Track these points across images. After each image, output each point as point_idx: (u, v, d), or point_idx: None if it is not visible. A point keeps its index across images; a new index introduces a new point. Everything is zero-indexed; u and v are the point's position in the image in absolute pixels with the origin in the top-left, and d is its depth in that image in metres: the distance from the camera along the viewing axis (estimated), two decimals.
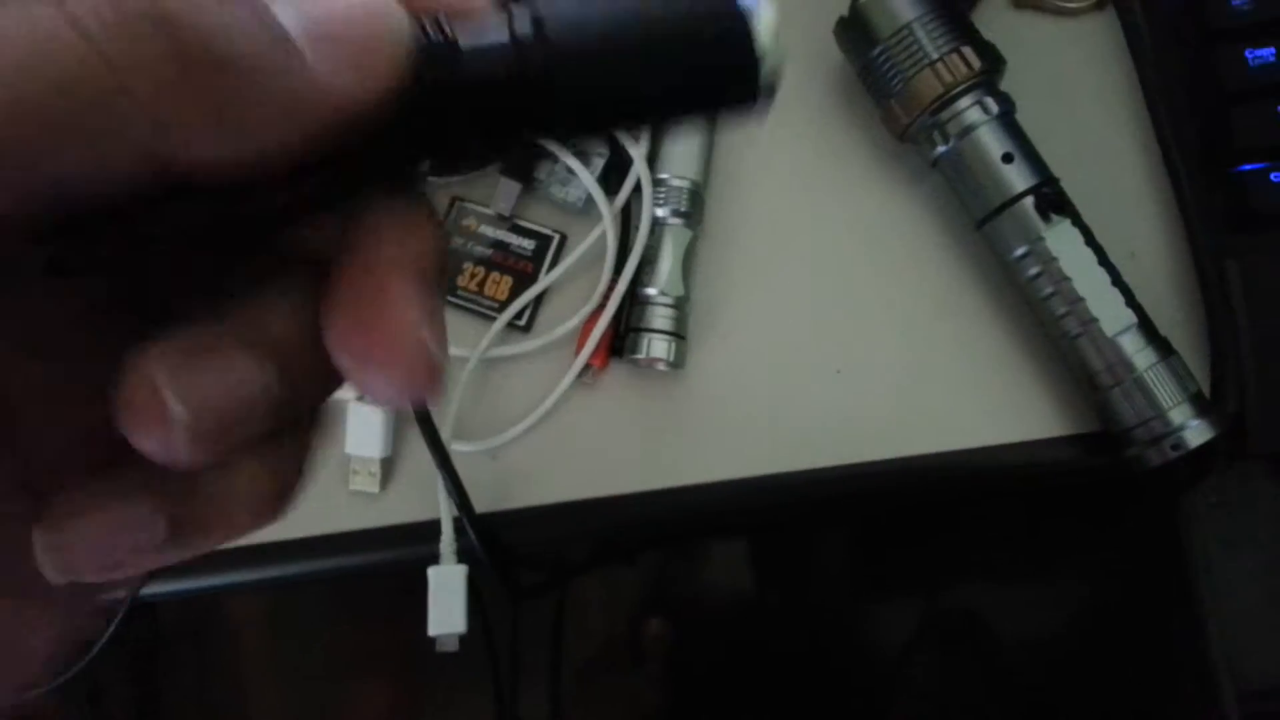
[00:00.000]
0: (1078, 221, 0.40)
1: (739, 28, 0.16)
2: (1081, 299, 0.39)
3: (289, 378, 0.16)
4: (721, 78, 0.16)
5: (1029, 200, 0.40)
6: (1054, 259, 0.39)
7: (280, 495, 0.17)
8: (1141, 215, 0.43)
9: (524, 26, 0.16)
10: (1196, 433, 0.38)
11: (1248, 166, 0.40)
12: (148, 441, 0.14)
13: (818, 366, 0.44)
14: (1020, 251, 0.40)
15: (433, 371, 0.16)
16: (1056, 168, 0.40)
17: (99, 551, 0.15)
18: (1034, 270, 0.40)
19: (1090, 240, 0.40)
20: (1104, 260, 0.40)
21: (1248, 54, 0.41)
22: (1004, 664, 0.61)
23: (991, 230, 0.41)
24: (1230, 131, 0.41)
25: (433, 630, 0.41)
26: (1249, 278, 0.40)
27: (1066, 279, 0.39)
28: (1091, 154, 0.43)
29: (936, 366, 0.43)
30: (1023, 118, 0.41)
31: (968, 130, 0.40)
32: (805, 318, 0.44)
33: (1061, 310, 0.39)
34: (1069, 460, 0.42)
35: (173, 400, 0.14)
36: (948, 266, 0.44)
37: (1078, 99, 0.44)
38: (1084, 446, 0.42)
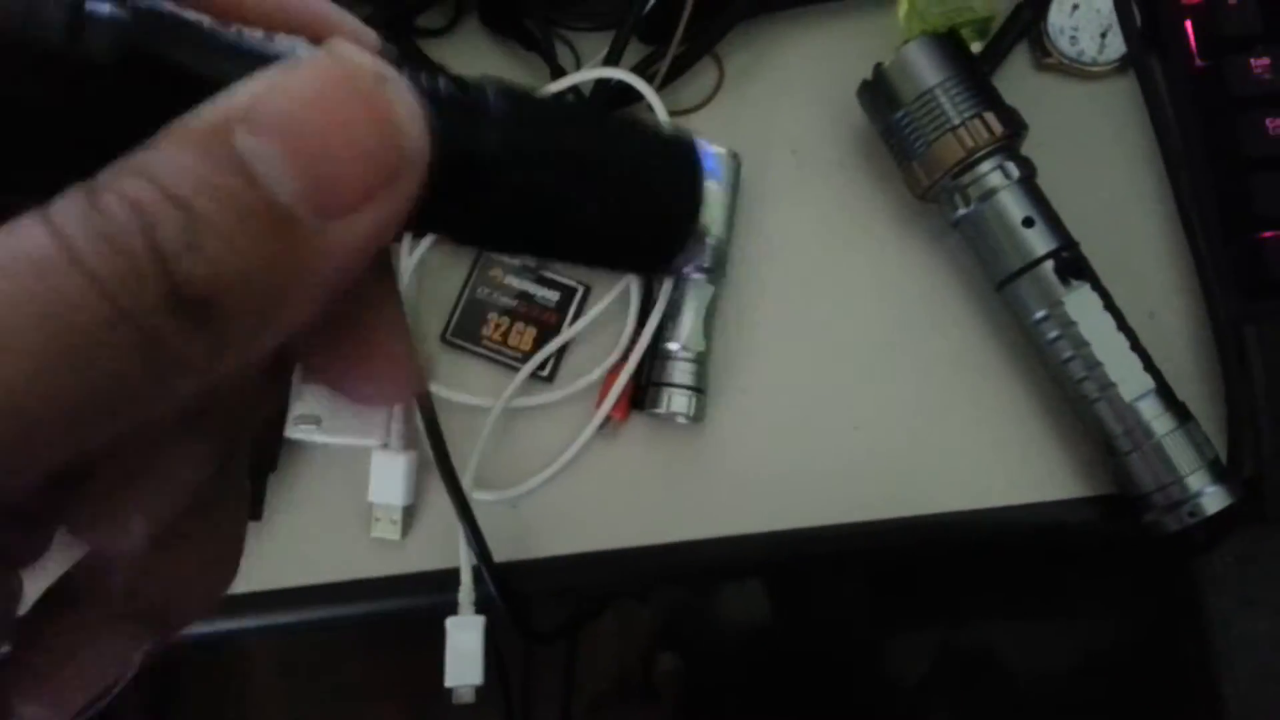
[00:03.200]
0: (1097, 286, 0.40)
1: (686, 203, 0.16)
2: (1100, 363, 0.39)
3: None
4: (653, 241, 0.16)
5: (1049, 264, 0.40)
6: (1073, 323, 0.40)
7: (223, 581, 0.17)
8: (1160, 279, 0.43)
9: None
10: (1213, 499, 0.39)
11: (1267, 233, 0.41)
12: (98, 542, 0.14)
13: (836, 423, 0.44)
14: (1040, 315, 0.40)
15: (420, 375, 0.16)
16: (1076, 230, 0.41)
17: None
18: (1053, 333, 0.40)
19: (1109, 305, 0.40)
20: (1123, 325, 0.40)
21: (1268, 122, 0.41)
22: (1018, 708, 0.61)
23: (1011, 292, 0.41)
24: (1250, 198, 0.41)
25: (449, 681, 0.42)
26: (1267, 344, 0.41)
27: (1085, 343, 0.39)
28: (1111, 217, 0.44)
29: (954, 426, 0.44)
30: (1044, 180, 0.42)
31: (989, 194, 0.41)
32: (824, 374, 0.45)
33: (1080, 374, 0.40)
34: (1085, 523, 0.42)
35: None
36: (967, 326, 0.44)
37: (1098, 162, 0.45)
38: (1101, 509, 0.42)
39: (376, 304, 0.16)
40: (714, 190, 0.16)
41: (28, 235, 0.11)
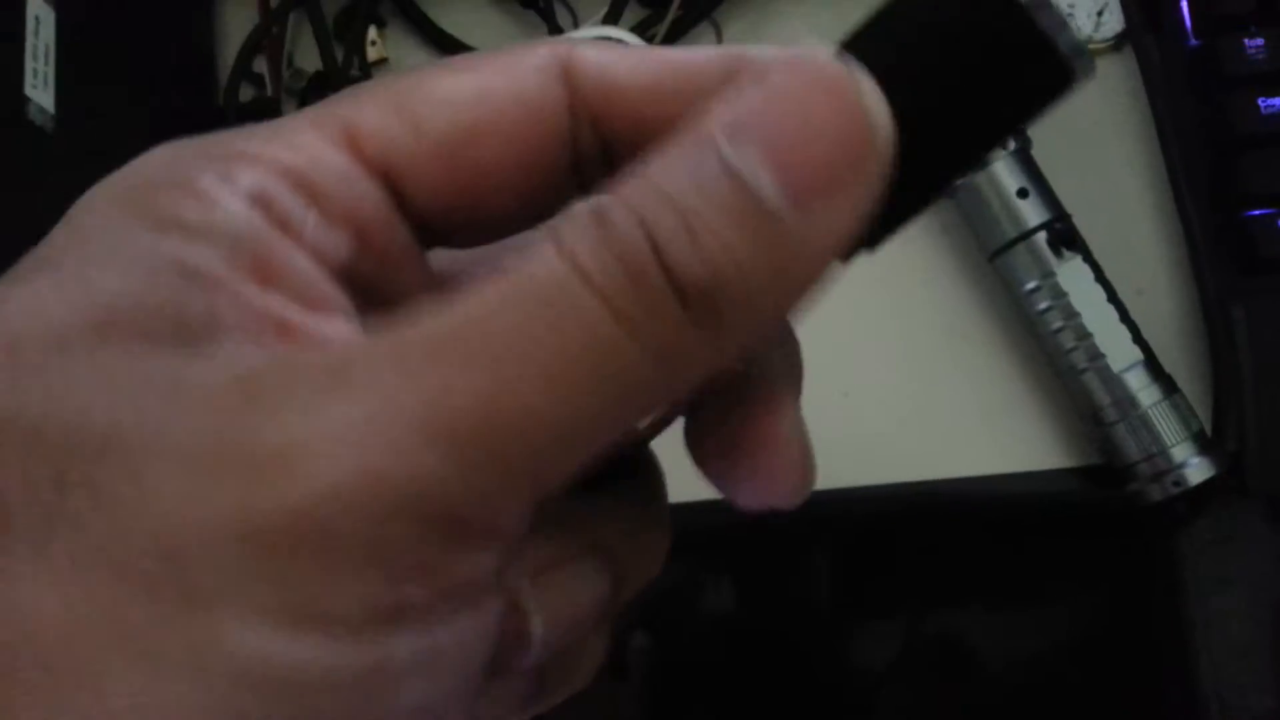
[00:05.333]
0: (1089, 258, 0.41)
1: (1012, 25, 0.14)
2: (1090, 334, 0.40)
3: (619, 578, 0.17)
4: (1029, 86, 0.15)
5: (1041, 235, 0.40)
6: (1064, 294, 0.40)
7: (595, 666, 0.18)
8: (1150, 254, 0.44)
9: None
10: (1198, 470, 0.39)
11: (1256, 212, 0.41)
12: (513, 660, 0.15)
13: (826, 388, 0.44)
14: (1031, 285, 0.41)
15: (811, 475, 0.17)
16: (1069, 204, 0.41)
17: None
18: (1044, 304, 0.40)
19: (1100, 277, 0.40)
20: (1113, 297, 0.40)
21: (1260, 101, 0.41)
22: (988, 690, 0.61)
23: (1003, 263, 0.41)
24: (1240, 177, 0.41)
25: None
26: (1254, 320, 0.41)
27: (1076, 314, 0.40)
28: (1104, 192, 0.44)
29: (943, 393, 0.44)
30: (1038, 154, 0.42)
31: (984, 164, 0.41)
32: (816, 340, 0.45)
33: (1070, 344, 0.40)
34: (1070, 492, 0.43)
35: (534, 621, 0.15)
36: (958, 296, 0.44)
37: (1092, 137, 0.45)
38: (1085, 479, 0.43)
39: (777, 403, 0.17)
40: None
41: (542, 262, 0.12)
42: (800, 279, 0.14)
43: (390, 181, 0.15)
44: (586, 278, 0.12)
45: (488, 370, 0.12)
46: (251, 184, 0.14)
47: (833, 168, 0.13)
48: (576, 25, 0.47)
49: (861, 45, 0.15)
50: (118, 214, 0.14)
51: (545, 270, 0.12)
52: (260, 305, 0.13)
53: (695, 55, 0.16)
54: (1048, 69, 0.15)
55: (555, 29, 0.46)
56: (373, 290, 0.15)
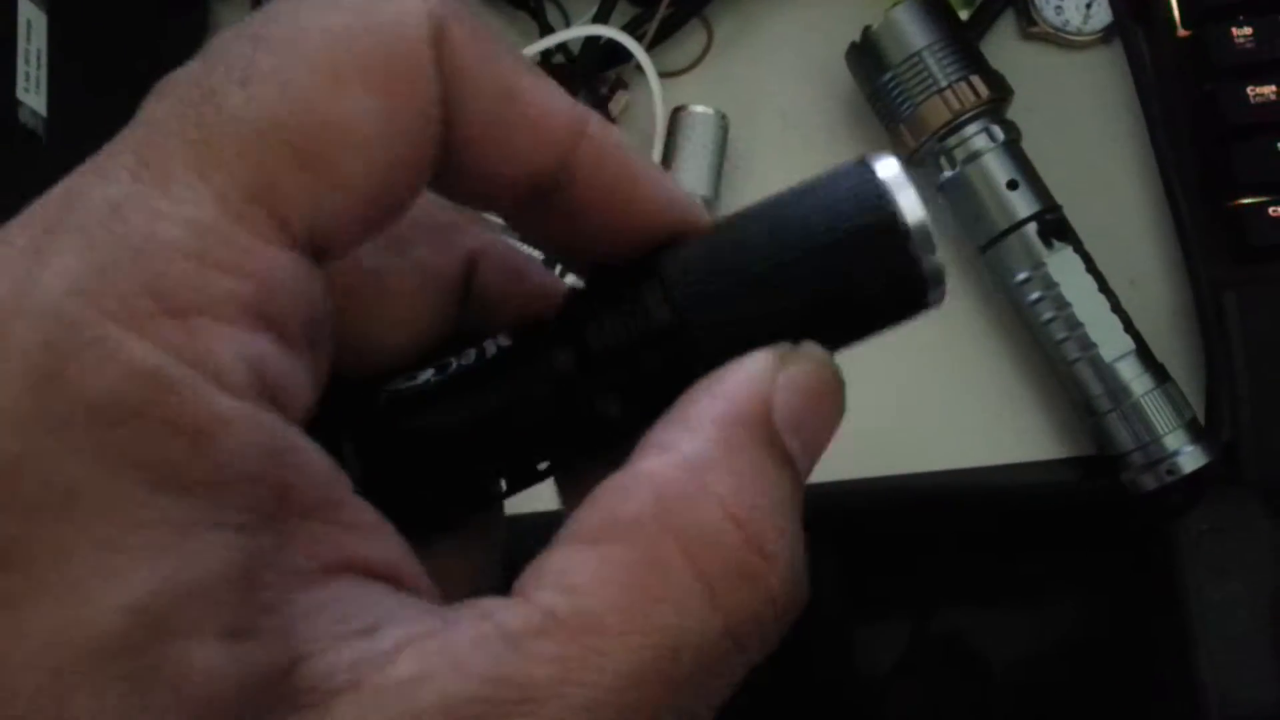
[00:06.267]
0: (1079, 249, 0.41)
1: (888, 241, 0.16)
2: (1081, 324, 0.40)
3: None
4: (884, 299, 0.17)
5: (1032, 226, 0.40)
6: (1055, 285, 0.40)
7: None
8: (1142, 244, 0.44)
9: (661, 315, 0.16)
10: (1191, 458, 0.39)
11: (1247, 200, 0.41)
12: None
13: None
14: (1022, 276, 0.41)
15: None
16: (1059, 195, 0.41)
17: None
18: (1035, 295, 0.40)
19: (1091, 267, 0.41)
20: (1104, 287, 0.40)
21: (1249, 90, 0.42)
22: (992, 687, 0.61)
23: (994, 254, 0.41)
24: (1231, 166, 0.41)
25: None
26: (1246, 309, 0.41)
27: (1067, 304, 0.40)
28: (1094, 183, 0.44)
29: (936, 385, 0.44)
30: (1028, 146, 0.42)
31: (974, 156, 0.41)
32: None
33: (1061, 335, 0.40)
34: (1064, 482, 0.43)
35: None
36: (950, 288, 0.44)
37: (1082, 129, 0.45)
38: (1079, 469, 0.43)
39: None
40: (910, 199, 0.15)
41: (697, 612, 0.13)
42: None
43: (315, 248, 0.14)
44: (733, 631, 0.14)
45: None
46: (238, 367, 0.12)
47: (825, 446, 0.16)
48: (568, 24, 0.47)
49: (755, 215, 0.17)
50: (99, 471, 0.11)
51: (697, 627, 0.13)
52: (334, 565, 0.13)
53: (557, 99, 0.16)
54: (907, 287, 0.16)
55: (546, 28, 0.46)
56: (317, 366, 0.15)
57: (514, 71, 0.15)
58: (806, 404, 0.16)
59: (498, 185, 0.16)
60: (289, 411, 0.13)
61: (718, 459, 0.14)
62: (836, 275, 0.16)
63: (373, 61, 0.14)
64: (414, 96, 0.14)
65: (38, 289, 0.12)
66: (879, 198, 0.16)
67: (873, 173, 0.16)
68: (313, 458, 0.13)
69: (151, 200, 0.12)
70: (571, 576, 0.13)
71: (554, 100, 0.16)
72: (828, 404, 0.16)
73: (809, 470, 0.16)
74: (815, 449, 0.16)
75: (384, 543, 0.14)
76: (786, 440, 0.15)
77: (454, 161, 0.15)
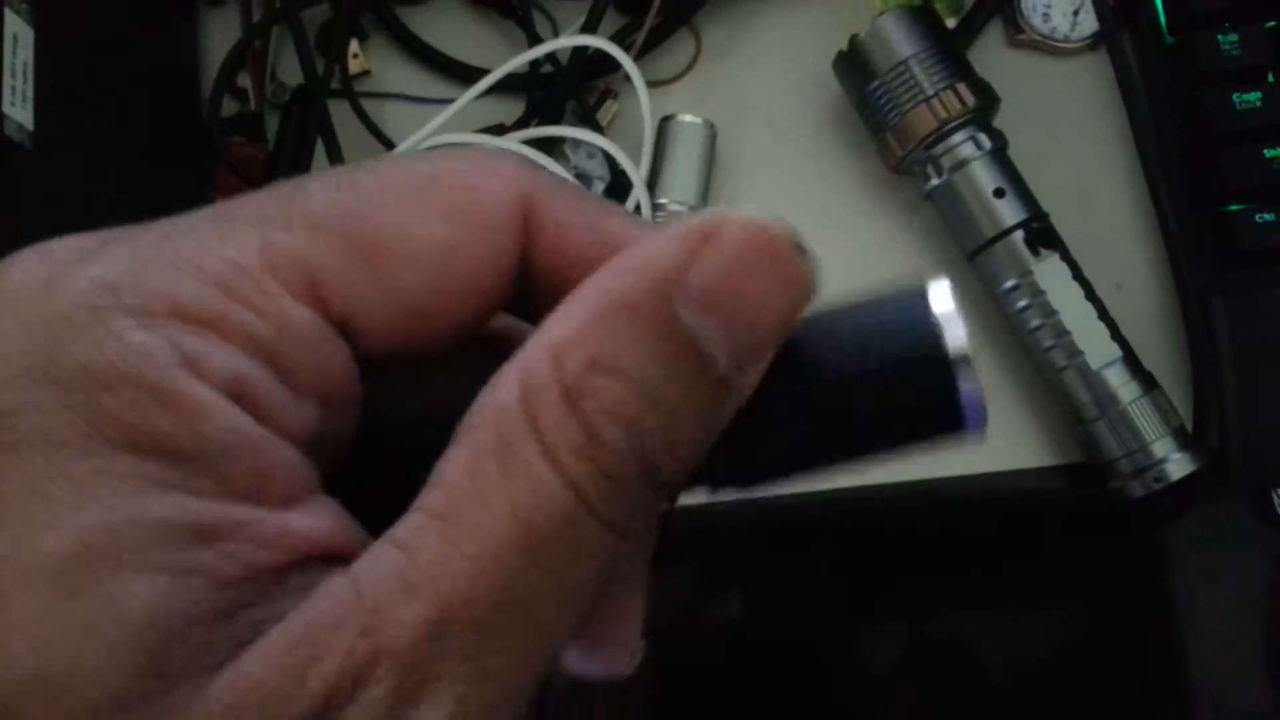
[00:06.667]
0: (1066, 256, 0.41)
1: (938, 374, 0.16)
2: (1068, 332, 0.40)
3: None
4: (929, 427, 0.16)
5: (1019, 234, 0.41)
6: (1042, 292, 0.40)
7: None
8: (1128, 251, 0.44)
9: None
10: (1179, 466, 0.39)
11: (1234, 207, 0.41)
12: None
13: None
14: (1009, 284, 0.41)
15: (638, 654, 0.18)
16: (1046, 203, 0.41)
17: None
18: (1023, 303, 0.41)
19: (1078, 275, 0.41)
20: (1091, 295, 0.40)
21: (1235, 97, 0.42)
22: (988, 691, 0.61)
23: (982, 262, 0.42)
24: (1217, 172, 0.41)
25: None
26: (1233, 314, 0.41)
27: (1054, 312, 0.40)
28: (1081, 190, 0.44)
29: None
30: (1014, 153, 0.42)
31: (961, 164, 0.41)
32: None
33: (1049, 342, 0.40)
34: (1053, 490, 0.43)
35: None
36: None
37: (1069, 136, 0.45)
38: (1068, 477, 0.43)
39: (631, 577, 0.17)
40: (954, 325, 0.15)
41: (545, 486, 0.13)
42: (723, 421, 0.14)
43: (349, 333, 0.15)
44: (591, 509, 0.13)
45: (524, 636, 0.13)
46: (226, 372, 0.13)
47: (772, 329, 0.14)
48: (556, 34, 0.47)
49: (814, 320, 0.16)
50: (70, 427, 0.13)
51: (552, 497, 0.13)
52: (288, 541, 0.13)
53: (650, 236, 0.16)
54: (944, 415, 0.16)
55: (534, 38, 0.46)
56: (329, 430, 0.15)
57: (579, 208, 0.16)
58: (726, 276, 0.13)
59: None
60: (269, 425, 0.14)
61: (584, 339, 0.13)
62: (887, 397, 0.16)
63: (455, 201, 0.15)
64: (486, 233, 0.15)
65: (75, 279, 0.13)
66: (933, 330, 0.16)
67: (928, 304, 0.16)
68: (283, 454, 0.14)
69: (206, 239, 0.14)
70: (444, 474, 0.13)
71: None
72: (762, 274, 0.13)
73: (745, 347, 0.14)
74: (744, 327, 0.13)
75: (348, 535, 0.14)
76: (688, 319, 0.13)
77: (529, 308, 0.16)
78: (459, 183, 0.15)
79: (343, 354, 0.15)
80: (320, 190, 0.15)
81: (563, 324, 0.14)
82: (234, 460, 0.13)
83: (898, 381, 0.16)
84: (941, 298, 0.16)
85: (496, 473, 0.13)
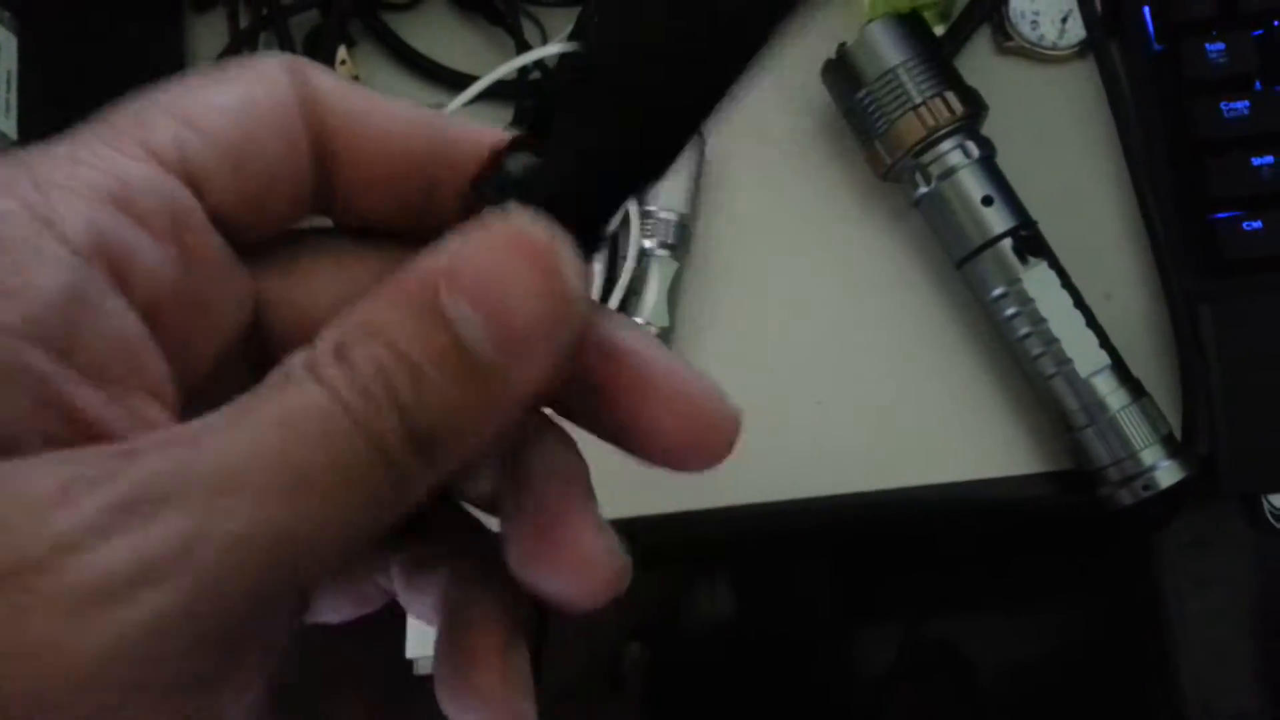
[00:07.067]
0: (1054, 264, 0.41)
1: None
2: (1057, 340, 0.40)
3: None
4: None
5: (1007, 242, 0.41)
6: (1031, 300, 0.40)
7: None
8: (1117, 259, 0.44)
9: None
10: (1167, 473, 0.39)
11: (1221, 214, 0.42)
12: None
13: (799, 398, 0.44)
14: (998, 292, 0.41)
15: (624, 571, 0.18)
16: (1035, 211, 0.41)
17: None
18: (1011, 310, 0.41)
19: (1066, 283, 0.41)
20: (1080, 302, 0.40)
21: (1222, 105, 0.42)
22: (980, 695, 0.61)
23: (970, 270, 0.42)
24: (1205, 180, 0.42)
25: (411, 652, 0.42)
26: (1221, 322, 0.41)
27: (1043, 320, 0.40)
28: (1069, 198, 0.44)
29: (915, 401, 0.44)
30: (1003, 161, 0.42)
31: (949, 172, 0.41)
32: (788, 350, 0.45)
33: (1037, 350, 0.40)
34: (1042, 497, 0.43)
35: None
36: (927, 304, 0.45)
37: (1057, 144, 0.45)
38: (1057, 484, 0.43)
39: (579, 503, 0.18)
40: None
41: (310, 394, 0.14)
42: (504, 412, 0.15)
43: (191, 185, 0.17)
44: (352, 415, 0.14)
45: (268, 495, 0.14)
46: (80, 222, 0.15)
47: (532, 324, 0.15)
48: (545, 41, 0.47)
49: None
50: None
51: (315, 402, 0.14)
52: (54, 392, 0.14)
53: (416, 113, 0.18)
54: None
55: (523, 45, 0.46)
56: (196, 297, 0.17)
57: (364, 95, 0.18)
58: (483, 263, 0.15)
59: (378, 189, 0.19)
60: (135, 281, 0.15)
61: (363, 311, 0.15)
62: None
63: (242, 71, 0.18)
64: (271, 86, 0.17)
65: None
66: None
67: None
68: (112, 322, 0.15)
69: (65, 143, 0.16)
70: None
71: (399, 111, 0.18)
72: (517, 263, 0.15)
73: (505, 333, 0.15)
74: (501, 312, 0.15)
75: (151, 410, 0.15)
76: (446, 299, 0.15)
77: (336, 182, 0.18)
78: (238, 63, 0.18)
79: (193, 203, 0.17)
80: (134, 98, 0.17)
81: (354, 306, 0.15)
82: (53, 306, 0.14)
83: None
84: None
85: (270, 391, 0.14)
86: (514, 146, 0.17)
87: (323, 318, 0.16)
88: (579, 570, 0.18)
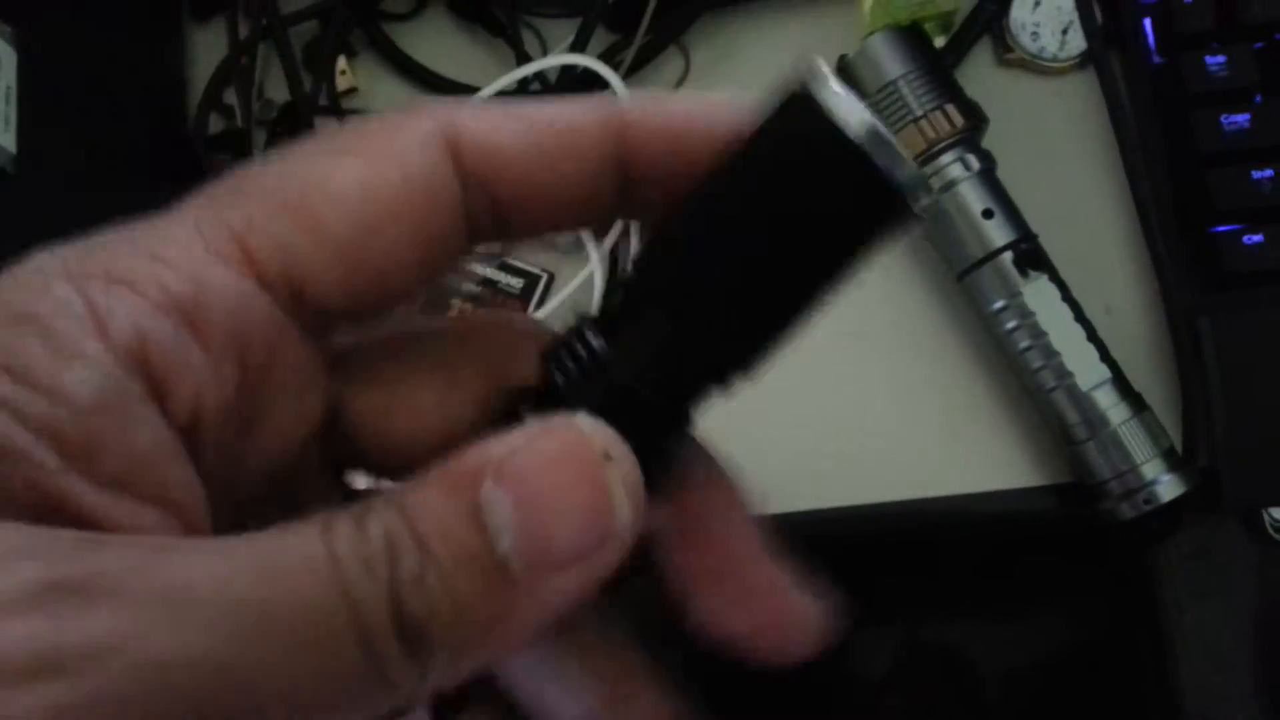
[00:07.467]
0: (1055, 277, 0.41)
1: (851, 165, 0.15)
2: (1057, 353, 0.40)
3: None
4: (863, 219, 0.15)
5: (1008, 255, 0.40)
6: (1031, 313, 0.40)
7: None
8: (1117, 272, 0.44)
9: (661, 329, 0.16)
10: (1169, 487, 0.39)
11: (1222, 228, 0.41)
12: None
13: (798, 410, 0.44)
14: (998, 305, 0.41)
15: (822, 627, 0.17)
16: (1035, 224, 0.41)
17: None
18: (1012, 324, 0.41)
19: (1067, 296, 0.41)
20: (1080, 316, 0.40)
21: (1223, 118, 0.42)
22: (980, 700, 0.61)
23: (971, 283, 0.42)
24: (1206, 193, 0.42)
25: None
26: (1221, 335, 0.41)
27: (1043, 333, 0.40)
28: (1070, 211, 0.44)
29: (915, 414, 0.44)
30: (1003, 174, 0.42)
31: (949, 185, 0.41)
32: (786, 361, 0.45)
33: (1038, 364, 0.40)
34: (1043, 511, 0.43)
35: None
36: (928, 316, 0.45)
37: (1058, 157, 0.45)
38: (1058, 497, 0.43)
39: (760, 554, 0.18)
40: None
41: (307, 540, 0.13)
42: (521, 629, 0.14)
43: (289, 289, 0.15)
44: (341, 575, 0.13)
45: (217, 624, 0.12)
46: (127, 326, 0.14)
47: (571, 546, 0.14)
48: (545, 52, 0.47)
49: (702, 193, 0.16)
50: None
51: (309, 554, 0.13)
52: (54, 486, 0.13)
53: (572, 112, 0.16)
54: (883, 203, 0.15)
55: (523, 56, 0.46)
56: (249, 413, 0.16)
57: (525, 119, 0.16)
58: (535, 473, 0.14)
59: (564, 211, 0.17)
60: (176, 395, 0.14)
61: (401, 494, 0.14)
62: (797, 211, 0.15)
63: (370, 143, 0.16)
64: (403, 164, 0.16)
65: (46, 256, 0.15)
66: (819, 119, 0.15)
67: (809, 96, 0.15)
68: (138, 435, 0.14)
69: (155, 224, 0.15)
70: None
71: (572, 114, 0.17)
72: (567, 481, 0.14)
73: (535, 540, 0.14)
74: (544, 530, 0.14)
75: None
76: (487, 490, 0.14)
77: (511, 222, 0.17)
78: (373, 128, 0.16)
79: (271, 311, 0.15)
80: (252, 167, 0.16)
81: (404, 490, 0.14)
82: (78, 410, 0.13)
83: (817, 190, 0.15)
84: (821, 86, 0.15)
85: (279, 530, 0.13)
86: (591, 324, 0.16)
87: (401, 428, 0.16)
88: (785, 626, 0.17)
